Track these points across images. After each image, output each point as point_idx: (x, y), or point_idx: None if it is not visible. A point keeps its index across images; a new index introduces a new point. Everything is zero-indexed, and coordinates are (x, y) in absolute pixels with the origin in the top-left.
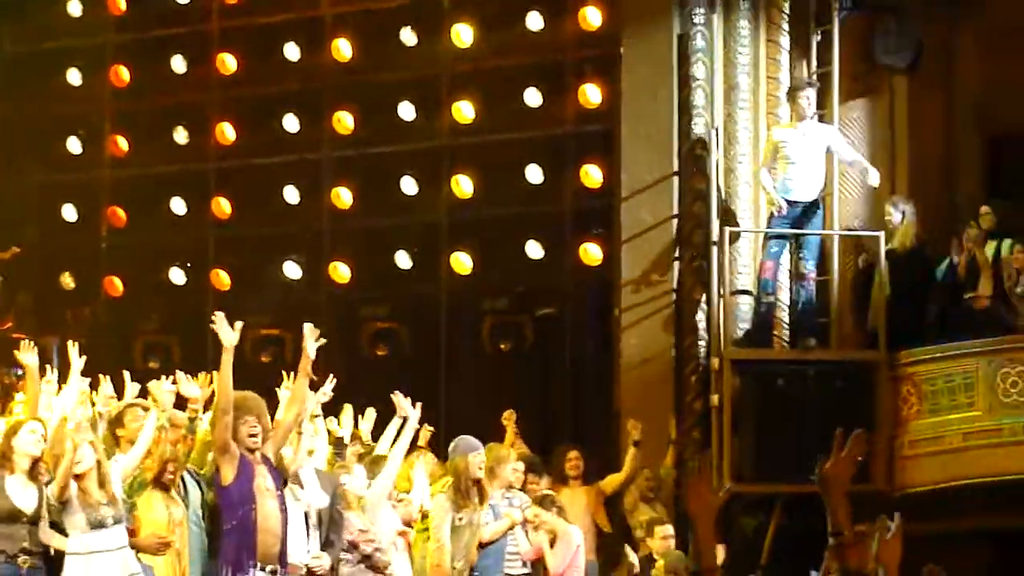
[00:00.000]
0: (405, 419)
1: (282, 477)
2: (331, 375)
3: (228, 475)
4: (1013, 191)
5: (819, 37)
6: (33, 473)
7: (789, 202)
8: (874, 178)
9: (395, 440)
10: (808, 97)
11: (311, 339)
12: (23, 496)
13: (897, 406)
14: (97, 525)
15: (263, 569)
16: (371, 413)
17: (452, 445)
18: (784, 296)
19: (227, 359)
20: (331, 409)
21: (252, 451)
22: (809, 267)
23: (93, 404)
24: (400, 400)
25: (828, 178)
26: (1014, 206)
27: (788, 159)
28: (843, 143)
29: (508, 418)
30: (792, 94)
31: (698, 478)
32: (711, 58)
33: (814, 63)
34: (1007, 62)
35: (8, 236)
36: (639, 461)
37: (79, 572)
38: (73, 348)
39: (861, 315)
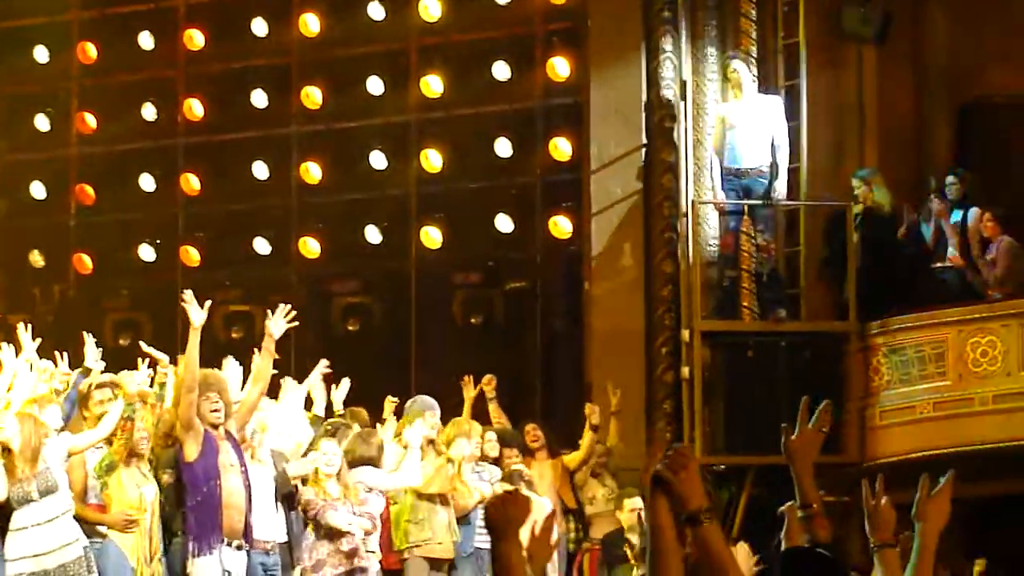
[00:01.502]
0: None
1: (245, 452)
2: (323, 360)
3: (192, 452)
4: (982, 160)
5: (787, 8)
6: None
7: (736, 171)
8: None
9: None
10: (737, 70)
11: (279, 318)
12: None
13: (868, 376)
14: (23, 500)
15: (229, 544)
16: (344, 384)
17: (409, 402)
18: (750, 268)
19: (194, 338)
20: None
21: (215, 427)
22: (767, 237)
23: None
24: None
25: (796, 149)
26: (981, 176)
27: (732, 128)
28: (781, 121)
29: (488, 383)
30: (723, 69)
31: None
32: (679, 29)
33: (780, 34)
34: (975, 31)
35: None
36: (594, 442)
37: (14, 551)
38: (25, 331)
39: (832, 284)
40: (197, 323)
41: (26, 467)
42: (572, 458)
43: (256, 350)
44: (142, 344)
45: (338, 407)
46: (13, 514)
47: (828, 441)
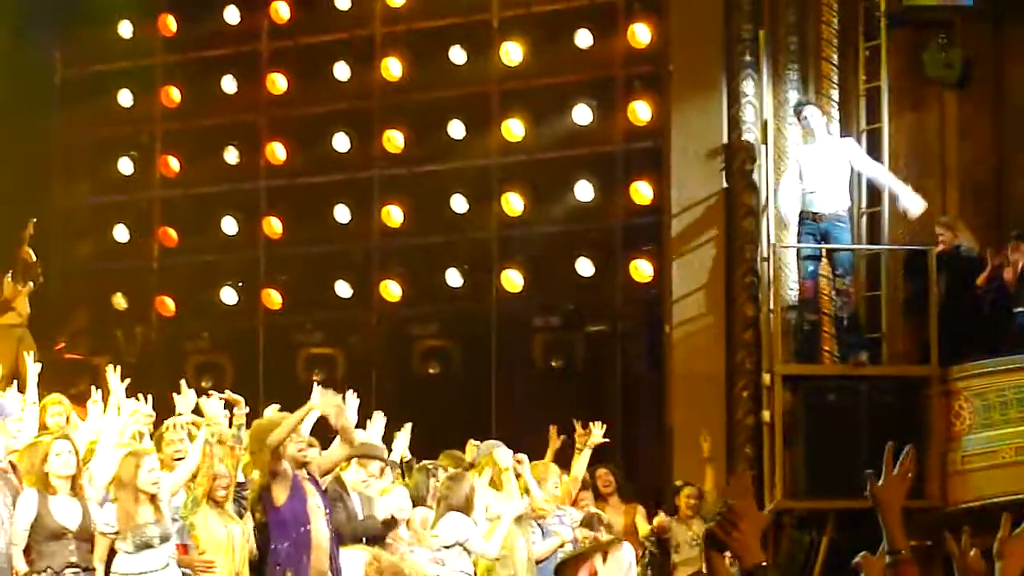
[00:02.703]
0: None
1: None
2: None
3: (281, 496)
4: None
5: (868, 53)
6: (74, 490)
7: (813, 216)
8: (913, 205)
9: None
10: (808, 116)
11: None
12: (66, 514)
13: (949, 421)
14: (143, 546)
15: None
16: (406, 429)
17: (475, 452)
18: (831, 312)
19: (305, 414)
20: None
21: (302, 466)
22: (846, 282)
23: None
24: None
25: (877, 192)
26: None
27: (808, 175)
28: (864, 159)
29: (585, 434)
30: (796, 115)
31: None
32: (760, 73)
33: (862, 77)
34: None
35: (62, 256)
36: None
37: None
38: (115, 372)
39: (913, 329)
40: (316, 406)
41: (148, 508)
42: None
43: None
44: (225, 392)
45: (403, 452)
46: (124, 557)
47: (910, 486)
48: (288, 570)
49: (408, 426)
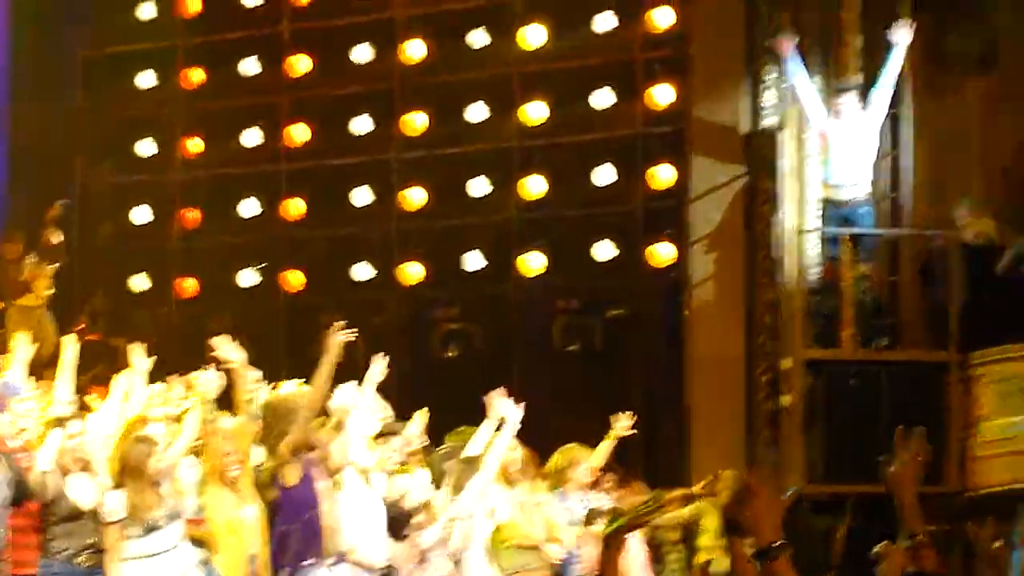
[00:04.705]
0: (501, 422)
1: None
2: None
3: (293, 477)
4: None
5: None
6: (89, 471)
7: (835, 200)
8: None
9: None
10: (842, 103)
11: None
12: (84, 494)
13: (968, 407)
14: (152, 528)
15: (328, 565)
16: (420, 415)
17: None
18: (851, 296)
19: (329, 367)
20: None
21: (311, 449)
22: (868, 267)
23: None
24: (497, 400)
25: (898, 177)
26: None
27: (830, 159)
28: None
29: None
30: (832, 100)
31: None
32: (782, 59)
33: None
34: None
35: (84, 236)
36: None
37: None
38: (140, 350)
39: (934, 314)
40: (336, 354)
41: (155, 492)
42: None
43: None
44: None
45: (422, 438)
46: (134, 541)
47: (928, 471)
48: (299, 552)
49: (423, 411)
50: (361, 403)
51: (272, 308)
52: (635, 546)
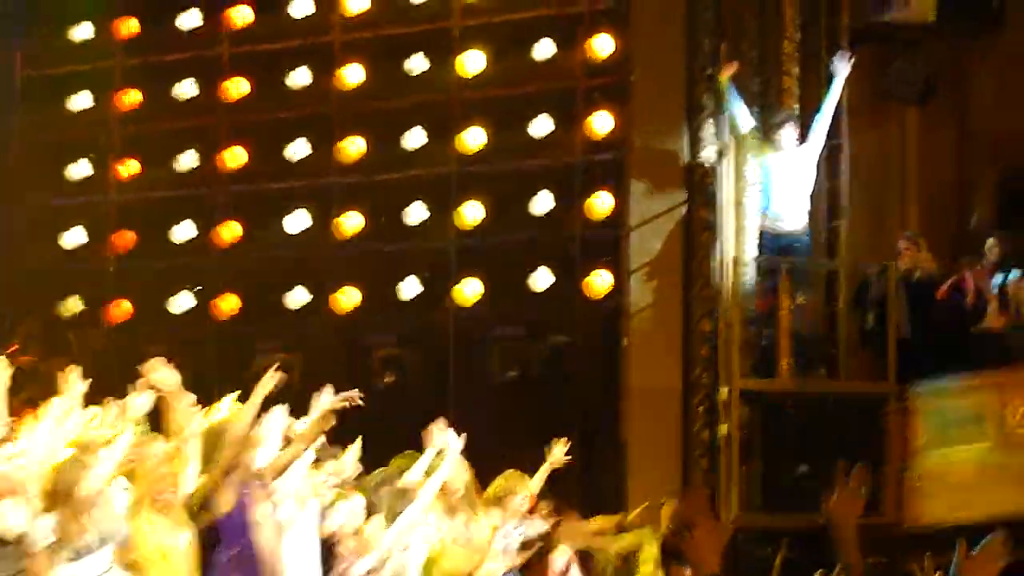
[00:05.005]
0: (440, 451)
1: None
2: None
3: (227, 503)
4: (1020, 219)
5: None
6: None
7: (773, 230)
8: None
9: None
10: (783, 135)
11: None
12: (12, 519)
13: (906, 439)
14: (82, 553)
15: None
16: (356, 445)
17: None
18: (789, 326)
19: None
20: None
21: (245, 474)
22: (806, 297)
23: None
24: (436, 430)
25: (837, 208)
26: (1021, 239)
27: (770, 189)
28: (811, 177)
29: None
30: (770, 128)
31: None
32: (721, 88)
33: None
34: (1019, 93)
35: (16, 259)
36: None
37: None
38: (75, 374)
39: (872, 345)
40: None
41: (79, 517)
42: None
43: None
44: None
45: (356, 468)
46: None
47: (867, 503)
48: None
49: (358, 442)
50: (296, 429)
51: (205, 333)
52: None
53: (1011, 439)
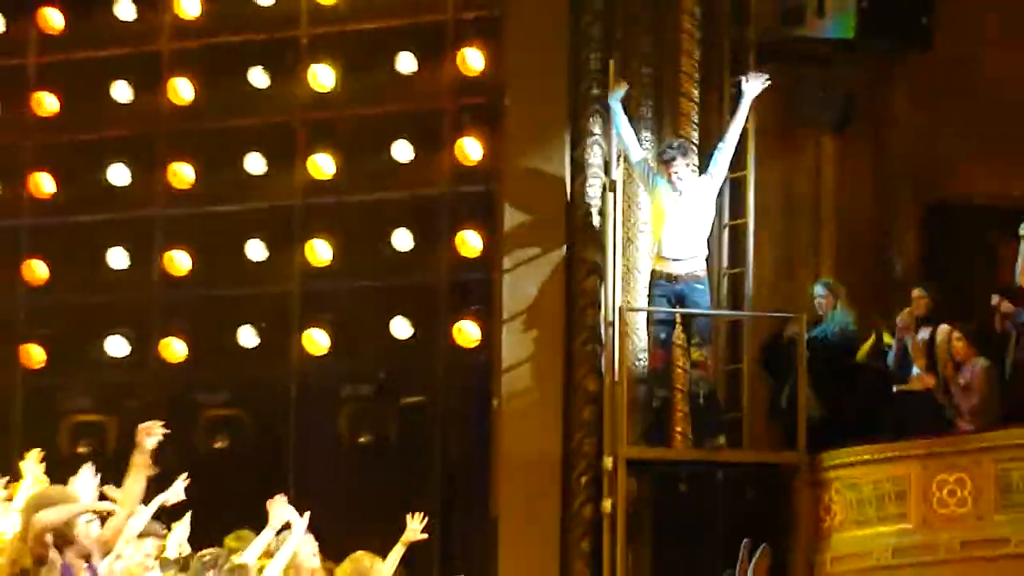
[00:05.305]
0: (283, 528)
1: None
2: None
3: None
4: (951, 268)
5: (734, 89)
6: None
7: (667, 276)
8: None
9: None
10: (677, 172)
11: (153, 428)
12: None
13: (818, 516)
14: None
15: None
16: (185, 520)
17: None
18: (685, 387)
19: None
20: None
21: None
22: (704, 353)
23: None
24: (277, 505)
25: (742, 251)
26: (950, 287)
27: (662, 228)
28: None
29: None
30: (664, 162)
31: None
32: (609, 110)
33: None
34: (947, 121)
35: None
36: None
37: None
38: None
39: (779, 409)
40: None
41: None
42: None
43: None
44: None
45: (183, 547)
46: None
47: None
48: None
49: (187, 517)
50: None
51: (7, 386)
52: None
53: (936, 519)
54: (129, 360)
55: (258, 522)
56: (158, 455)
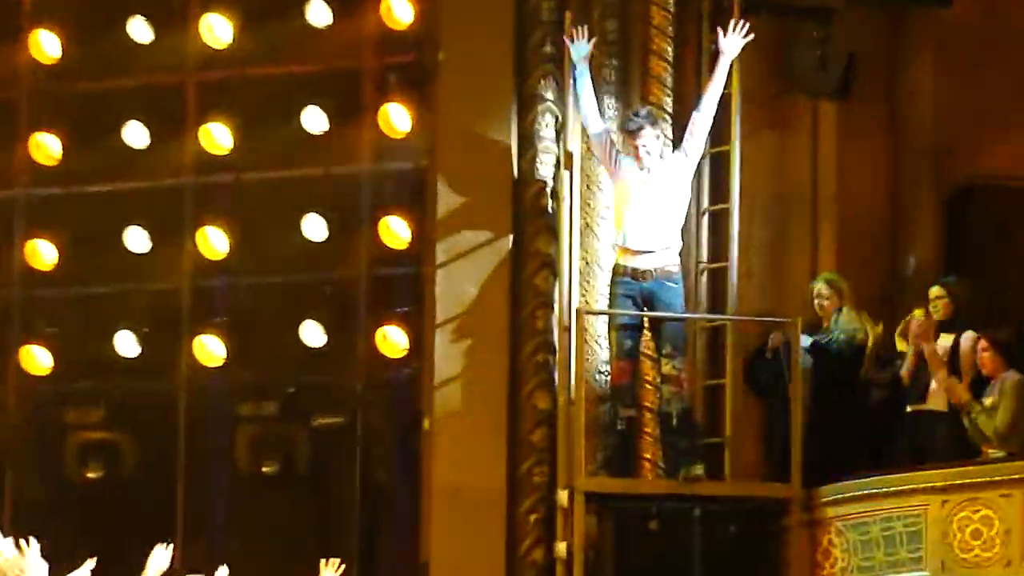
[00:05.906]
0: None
1: None
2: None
3: None
4: (978, 262)
5: (714, 47)
6: None
7: (633, 272)
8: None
9: None
10: (645, 145)
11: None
12: None
13: (815, 561)
14: None
15: None
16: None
17: None
18: (655, 406)
19: None
20: None
21: None
22: (677, 365)
23: None
24: (159, 553)
25: (724, 243)
26: (976, 286)
27: (635, 209)
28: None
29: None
30: (627, 135)
31: None
32: (564, 72)
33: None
34: (973, 87)
35: None
36: None
37: None
38: None
39: (768, 433)
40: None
41: None
42: None
43: None
44: None
45: None
46: None
47: None
48: None
49: (89, 562)
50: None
51: None
52: None
53: (957, 564)
54: None
55: (138, 564)
56: (24, 487)
